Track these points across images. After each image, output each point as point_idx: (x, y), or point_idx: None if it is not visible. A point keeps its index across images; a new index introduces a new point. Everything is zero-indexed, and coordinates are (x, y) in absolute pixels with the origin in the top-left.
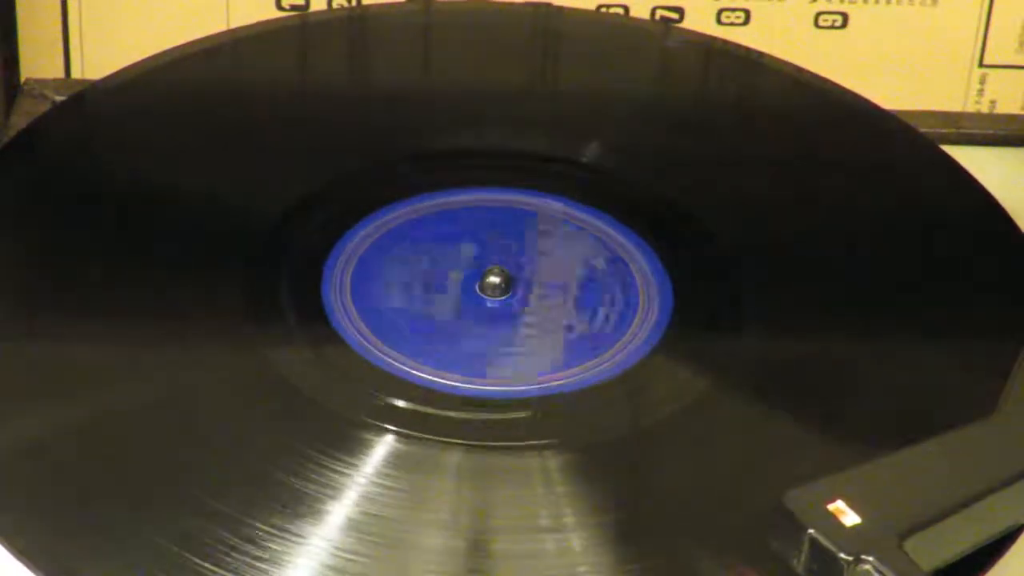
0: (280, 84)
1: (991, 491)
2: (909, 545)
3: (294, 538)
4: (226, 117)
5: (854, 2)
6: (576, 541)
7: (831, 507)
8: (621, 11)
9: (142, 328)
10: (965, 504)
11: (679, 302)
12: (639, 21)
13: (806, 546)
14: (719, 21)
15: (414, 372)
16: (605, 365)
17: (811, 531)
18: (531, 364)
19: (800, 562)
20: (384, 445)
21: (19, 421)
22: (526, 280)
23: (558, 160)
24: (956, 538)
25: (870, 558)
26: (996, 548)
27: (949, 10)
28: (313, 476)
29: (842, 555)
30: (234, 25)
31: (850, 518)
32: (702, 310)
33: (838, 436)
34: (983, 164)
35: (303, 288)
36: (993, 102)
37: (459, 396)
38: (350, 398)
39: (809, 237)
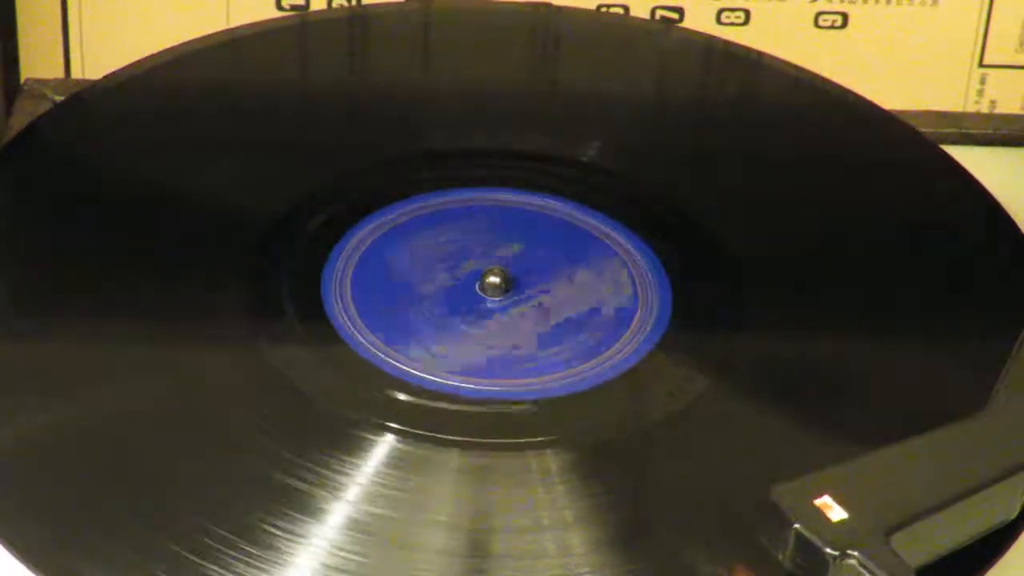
0: (280, 84)
1: (979, 488)
2: (896, 541)
3: (295, 538)
4: (226, 117)
5: (854, 2)
6: (576, 541)
7: (817, 502)
8: (621, 11)
9: (142, 328)
10: (952, 501)
11: (679, 302)
12: (639, 21)
13: (792, 541)
14: (719, 21)
15: (414, 372)
16: (605, 365)
17: (797, 526)
18: (531, 364)
19: (786, 556)
20: (384, 445)
21: (18, 421)
22: (526, 280)
23: (558, 160)
24: (943, 535)
25: (855, 553)
26: (996, 548)
27: (949, 10)
28: (313, 476)
29: (828, 550)
30: (234, 25)
31: (836, 513)
32: (702, 310)
33: (837, 435)
34: (983, 164)
35: (303, 288)
36: (993, 102)
37: (459, 396)
38: (350, 398)
39: (808, 237)
